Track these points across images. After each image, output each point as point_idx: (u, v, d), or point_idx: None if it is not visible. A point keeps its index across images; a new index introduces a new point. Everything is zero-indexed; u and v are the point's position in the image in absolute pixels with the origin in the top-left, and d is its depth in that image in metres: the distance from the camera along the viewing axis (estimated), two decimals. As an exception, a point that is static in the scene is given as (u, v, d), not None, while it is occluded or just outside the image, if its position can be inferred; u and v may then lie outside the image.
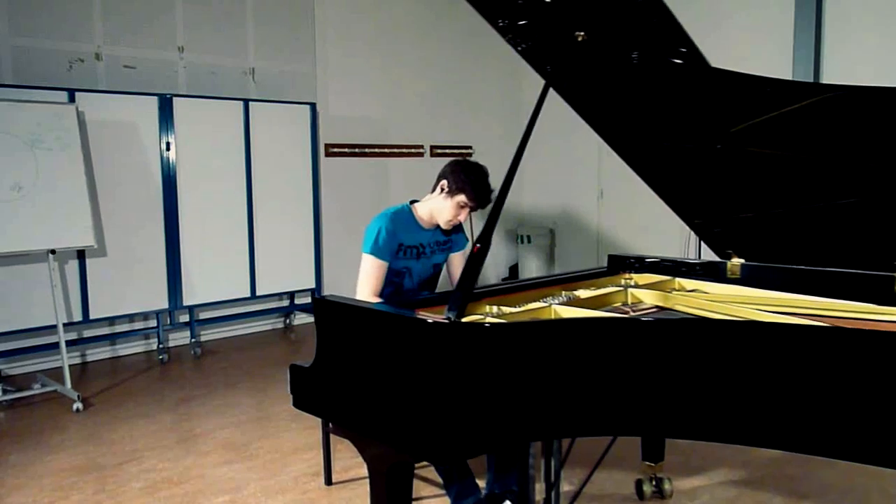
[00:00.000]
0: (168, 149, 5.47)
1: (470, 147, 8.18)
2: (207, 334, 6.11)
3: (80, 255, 5.10)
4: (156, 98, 5.42)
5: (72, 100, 4.96)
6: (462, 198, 2.90)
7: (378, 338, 2.09)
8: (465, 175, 2.89)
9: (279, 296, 6.48)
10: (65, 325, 4.77)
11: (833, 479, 3.37)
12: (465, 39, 8.13)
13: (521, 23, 1.97)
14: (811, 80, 6.48)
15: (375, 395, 2.07)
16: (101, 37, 5.51)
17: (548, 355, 1.93)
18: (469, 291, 2.03)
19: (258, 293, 6.08)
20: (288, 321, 6.75)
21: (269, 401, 4.61)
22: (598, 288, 2.98)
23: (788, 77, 6.59)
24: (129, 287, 5.35)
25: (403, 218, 3.01)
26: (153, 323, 5.73)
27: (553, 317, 2.49)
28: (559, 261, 8.70)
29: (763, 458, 3.56)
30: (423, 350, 1.96)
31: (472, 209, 2.96)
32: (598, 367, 1.92)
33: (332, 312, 2.26)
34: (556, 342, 1.94)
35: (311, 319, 6.86)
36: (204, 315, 5.98)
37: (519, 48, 2.11)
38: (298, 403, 2.45)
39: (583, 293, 2.87)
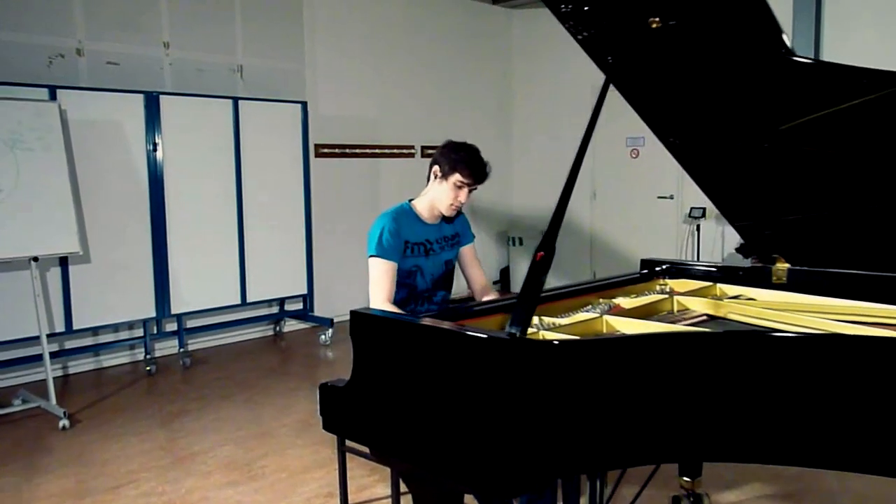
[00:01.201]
0: (155, 149, 5.20)
1: (461, 147, 7.98)
2: (194, 343, 5.84)
3: (63, 261, 4.82)
4: (142, 96, 5.15)
5: (53, 97, 4.68)
6: (457, 177, 2.74)
7: (429, 356, 1.89)
8: (455, 153, 2.76)
9: (268, 302, 6.22)
10: (47, 336, 4.48)
11: (870, 490, 3.24)
12: (455, 38, 7.95)
13: (586, 7, 1.79)
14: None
15: (427, 420, 1.87)
16: (83, 31, 5.22)
17: (627, 374, 1.75)
18: (533, 304, 1.84)
19: (249, 300, 5.82)
20: (278, 328, 6.50)
21: (268, 414, 4.37)
22: (636, 295, 2.81)
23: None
24: (114, 295, 5.07)
25: (405, 215, 2.85)
26: (138, 332, 5.44)
27: (606, 328, 2.31)
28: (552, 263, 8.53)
29: (796, 471, 3.42)
30: (484, 370, 1.77)
31: (470, 186, 2.78)
32: (682, 387, 1.74)
33: (371, 328, 2.06)
34: (638, 360, 1.75)
35: (302, 326, 6.69)
36: (192, 323, 5.71)
37: (579, 36, 1.93)
38: (331, 427, 2.25)
39: (623, 301, 2.70)
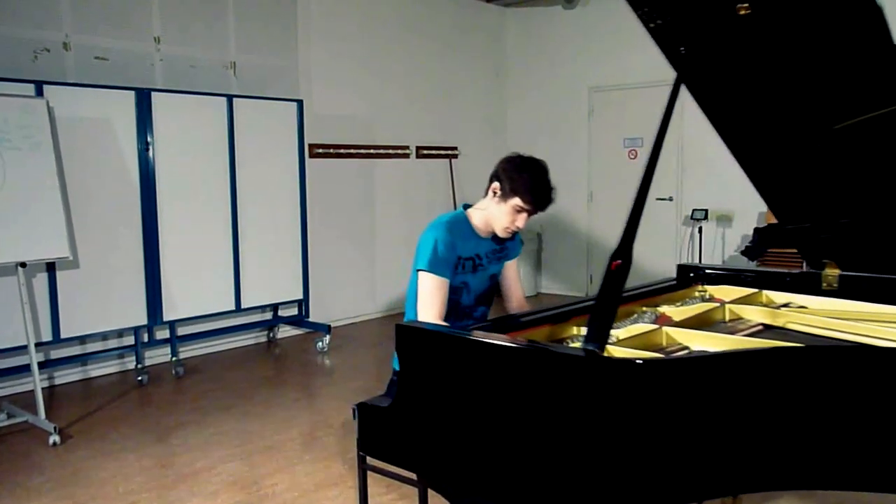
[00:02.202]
0: (146, 149, 4.96)
1: (455, 147, 7.82)
2: (186, 351, 5.60)
3: (50, 267, 4.56)
4: (133, 92, 4.90)
5: (39, 93, 4.43)
6: (517, 201, 2.49)
7: (493, 375, 1.72)
8: (518, 173, 2.50)
9: (262, 308, 5.99)
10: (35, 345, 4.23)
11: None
12: (449, 36, 7.78)
13: (666, -8, 1.63)
14: None
15: (493, 447, 1.70)
16: (70, 24, 4.97)
17: (722, 396, 1.58)
18: (611, 317, 1.67)
19: (243, 306, 5.59)
20: (271, 335, 6.27)
21: (272, 427, 4.16)
22: (681, 303, 2.66)
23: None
24: (104, 302, 4.82)
25: (460, 226, 2.62)
26: (128, 341, 5.19)
27: (667, 341, 2.15)
28: (547, 266, 8.41)
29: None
30: (560, 391, 1.60)
31: (531, 213, 2.58)
32: (789, 408, 1.58)
33: (424, 343, 1.88)
34: (735, 379, 1.59)
35: (296, 332, 6.47)
36: (183, 331, 5.46)
37: (652, 24, 1.76)
38: (371, 450, 2.06)
39: (668, 309, 2.55)
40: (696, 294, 2.86)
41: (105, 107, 4.78)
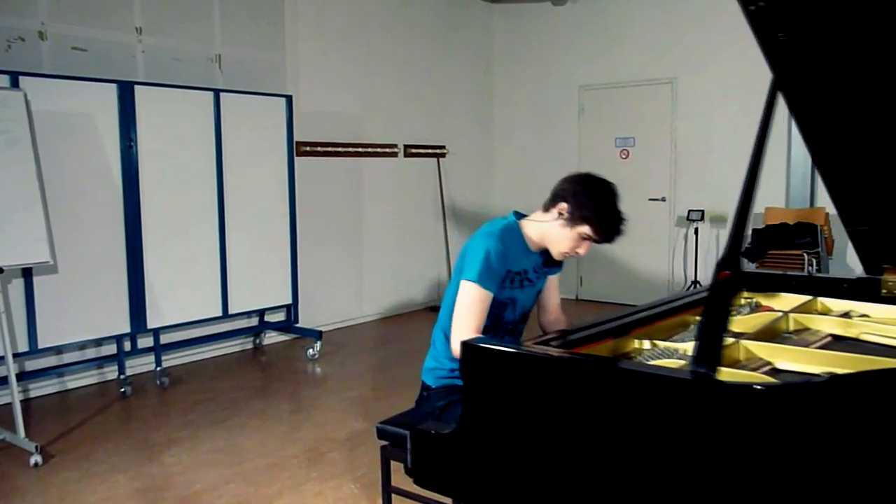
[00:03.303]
0: (130, 145, 4.66)
1: (444, 146, 7.61)
2: (169, 359, 5.29)
3: (27, 272, 4.24)
4: (115, 86, 4.60)
5: (15, 84, 4.11)
6: (586, 229, 2.28)
7: (586, 398, 1.52)
8: (592, 200, 2.27)
9: (248, 314, 5.71)
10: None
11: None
12: (437, 33, 7.57)
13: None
14: None
15: (588, 478, 1.50)
16: (46, 13, 4.64)
17: (847, 422, 1.40)
18: (722, 336, 1.48)
19: (231, 311, 5.31)
20: (258, 341, 5.99)
21: (272, 442, 3.91)
22: (735, 312, 2.48)
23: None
24: (84, 309, 4.51)
25: (513, 237, 2.39)
26: (109, 350, 4.88)
27: (744, 355, 1.97)
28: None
29: None
30: (667, 417, 1.40)
31: (597, 243, 2.36)
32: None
33: (501, 364, 1.67)
34: (862, 403, 1.41)
35: (282, 338, 6.20)
36: (167, 338, 5.16)
37: (752, 7, 1.58)
38: (430, 483, 1.84)
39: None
40: (743, 301, 2.70)
41: (86, 100, 4.47)
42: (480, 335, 2.30)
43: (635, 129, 7.36)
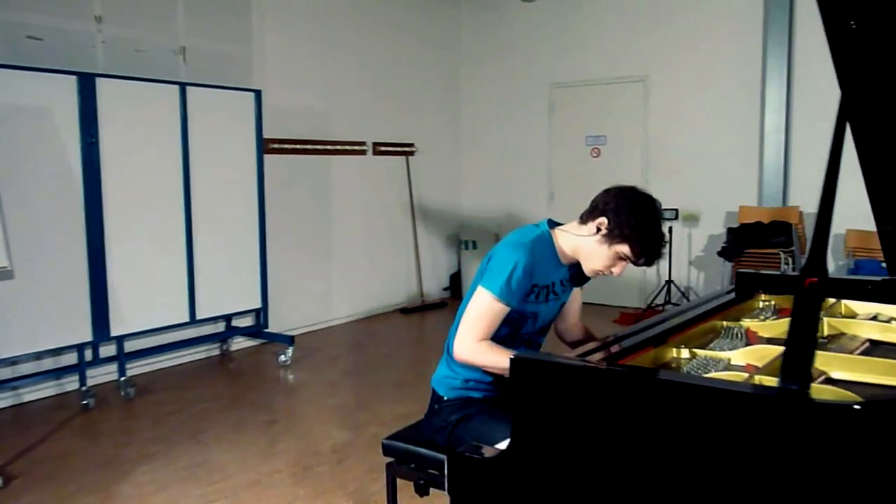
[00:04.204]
0: (91, 142, 4.37)
1: (412, 144, 7.44)
2: (133, 368, 4.99)
3: (-20, 278, 3.93)
4: (74, 78, 4.30)
5: (-35, 76, 3.80)
6: (625, 249, 2.13)
7: (663, 416, 1.38)
8: (636, 219, 2.11)
9: (215, 319, 5.44)
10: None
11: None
12: (406, 30, 7.39)
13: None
14: (785, 53, 6.27)
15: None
16: (-3, -2, 4.33)
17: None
18: (813, 349, 1.36)
19: (199, 317, 5.05)
20: (225, 347, 5.73)
21: (252, 457, 3.69)
22: (764, 317, 2.39)
23: (759, 49, 6.36)
24: (43, 317, 4.21)
25: (544, 248, 2.23)
26: (68, 359, 4.58)
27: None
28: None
29: None
30: (755, 437, 1.28)
31: (634, 264, 2.22)
32: None
33: (553, 378, 1.51)
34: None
35: (250, 344, 5.93)
36: (131, 346, 4.87)
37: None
38: (473, 511, 1.67)
39: (752, 324, 2.28)
40: (761, 304, 2.61)
41: (43, 93, 4.17)
42: (483, 343, 2.15)
43: (607, 127, 7.30)
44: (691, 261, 6.93)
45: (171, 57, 5.22)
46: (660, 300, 6.70)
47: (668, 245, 2.17)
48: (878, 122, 1.83)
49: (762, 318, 2.38)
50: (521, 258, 2.13)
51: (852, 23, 1.56)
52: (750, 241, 6.01)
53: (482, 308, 2.16)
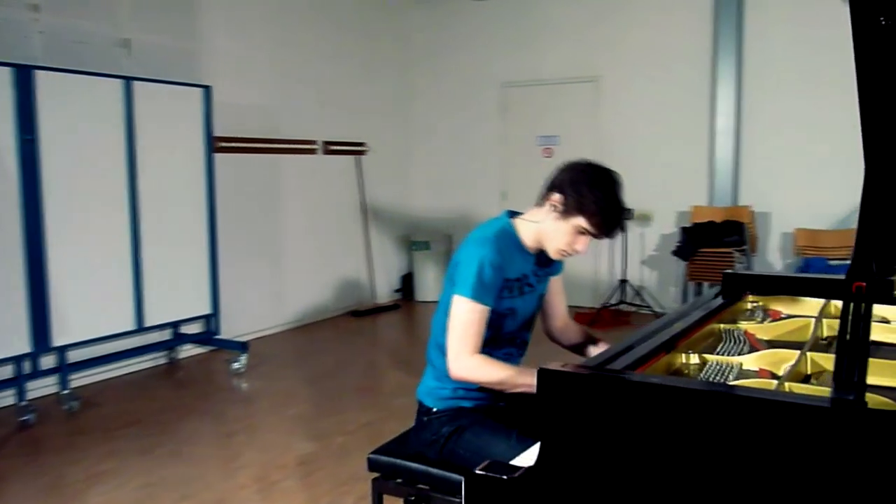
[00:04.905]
0: (29, 139, 4.08)
1: (364, 143, 7.27)
2: (76, 379, 4.69)
3: None
4: (10, 70, 4.00)
5: None
6: (581, 221, 2.07)
7: (707, 430, 1.29)
8: (589, 188, 2.06)
9: (162, 327, 5.16)
10: None
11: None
12: (356, 27, 7.23)
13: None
14: (735, 54, 6.36)
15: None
16: (-77, -17, 4.00)
17: None
18: (866, 356, 1.29)
19: (146, 324, 4.79)
20: (173, 355, 5.46)
21: (213, 472, 3.49)
22: (759, 319, 2.35)
23: (710, 51, 6.44)
24: (-22, 328, 3.91)
25: (508, 241, 2.16)
26: (5, 373, 4.25)
27: (811, 368, 1.82)
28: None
29: None
30: (811, 451, 1.21)
31: (595, 237, 2.15)
32: None
33: (584, 391, 1.42)
34: None
35: (199, 351, 5.66)
36: (74, 356, 4.58)
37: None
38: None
39: (750, 326, 2.24)
40: (750, 305, 2.58)
41: (-25, 86, 3.87)
42: (477, 358, 2.06)
43: (559, 127, 7.29)
44: (644, 260, 6.97)
45: (115, 50, 4.93)
46: (614, 300, 6.72)
47: (628, 215, 2.11)
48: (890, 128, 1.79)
49: (758, 320, 2.34)
50: (487, 254, 2.06)
51: (882, 19, 1.51)
52: (703, 240, 6.07)
53: (464, 317, 2.06)
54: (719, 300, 2.52)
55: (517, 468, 1.53)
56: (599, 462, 1.40)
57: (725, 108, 6.40)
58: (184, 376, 5.20)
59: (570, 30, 7.15)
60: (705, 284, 6.39)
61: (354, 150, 7.18)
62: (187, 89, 5.02)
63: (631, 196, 6.99)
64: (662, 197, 6.80)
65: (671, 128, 6.74)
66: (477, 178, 7.75)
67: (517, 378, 2.04)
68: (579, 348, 2.46)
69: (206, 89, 5.12)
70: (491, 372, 2.07)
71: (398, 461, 2.30)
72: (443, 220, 7.82)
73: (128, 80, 4.60)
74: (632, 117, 6.93)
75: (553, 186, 2.14)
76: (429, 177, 8.09)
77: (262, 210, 6.26)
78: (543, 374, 1.45)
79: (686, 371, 1.88)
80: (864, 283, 1.32)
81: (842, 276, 2.25)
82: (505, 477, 1.49)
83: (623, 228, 2.16)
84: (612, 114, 7.02)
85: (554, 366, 1.45)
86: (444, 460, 2.21)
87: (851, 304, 1.32)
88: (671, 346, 1.92)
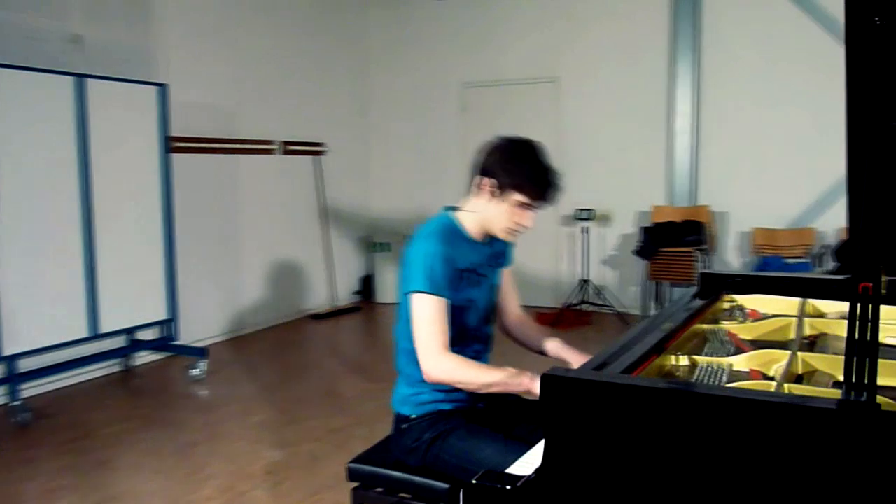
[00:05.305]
0: (-25, 139, 3.89)
1: (323, 143, 7.15)
2: (27, 389, 4.48)
3: None
4: (-46, 66, 3.82)
5: None
6: (519, 196, 2.10)
7: (717, 435, 1.27)
8: (516, 163, 2.09)
9: (116, 334, 4.97)
10: None
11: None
12: (313, 25, 7.12)
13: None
14: (693, 56, 6.44)
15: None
16: None
17: None
18: (876, 357, 1.28)
19: (101, 331, 4.61)
20: (128, 363, 5.27)
21: (177, 485, 3.36)
22: (741, 319, 2.36)
23: (667, 52, 6.51)
24: (-78, 337, 3.71)
25: (454, 234, 2.17)
26: (-50, 384, 4.07)
27: (802, 368, 1.82)
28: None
29: None
30: (826, 454, 1.19)
31: (537, 207, 2.16)
32: None
33: (591, 398, 1.38)
34: None
35: (155, 358, 5.48)
36: (25, 365, 4.38)
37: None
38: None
39: (733, 326, 2.24)
40: (727, 305, 2.59)
41: (-83, 83, 3.67)
42: (451, 358, 2.03)
43: (519, 127, 7.13)
44: (605, 260, 7.01)
45: (66, 46, 4.74)
46: (576, 300, 6.74)
47: (559, 177, 2.12)
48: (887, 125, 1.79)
49: (738, 320, 2.34)
50: (433, 247, 2.06)
51: (877, 19, 1.51)
52: (664, 240, 6.14)
53: (425, 313, 2.04)
54: (698, 301, 2.52)
55: (517, 477, 1.49)
56: (608, 469, 1.36)
57: (683, 109, 6.48)
58: (141, 384, 5.03)
59: (530, 31, 7.16)
60: (665, 284, 6.46)
61: (313, 150, 7.06)
62: (142, 88, 4.86)
63: (591, 196, 7.06)
64: (622, 197, 6.85)
65: (630, 128, 6.79)
66: (436, 179, 7.69)
67: (510, 381, 2.01)
68: (533, 344, 2.43)
69: (163, 88, 4.96)
70: (475, 374, 2.04)
71: (379, 469, 2.24)
72: (403, 222, 7.73)
73: (80, 77, 4.43)
74: (591, 117, 6.96)
75: (480, 171, 2.15)
76: (389, 177, 8.01)
77: (220, 212, 6.10)
78: (548, 381, 1.41)
79: (677, 373, 1.87)
80: (871, 284, 1.31)
81: (818, 276, 2.26)
82: (508, 487, 1.44)
83: (559, 189, 2.15)
84: (571, 114, 7.04)
85: (556, 372, 1.41)
86: (427, 467, 2.16)
87: (859, 305, 1.30)
88: (661, 348, 1.90)
